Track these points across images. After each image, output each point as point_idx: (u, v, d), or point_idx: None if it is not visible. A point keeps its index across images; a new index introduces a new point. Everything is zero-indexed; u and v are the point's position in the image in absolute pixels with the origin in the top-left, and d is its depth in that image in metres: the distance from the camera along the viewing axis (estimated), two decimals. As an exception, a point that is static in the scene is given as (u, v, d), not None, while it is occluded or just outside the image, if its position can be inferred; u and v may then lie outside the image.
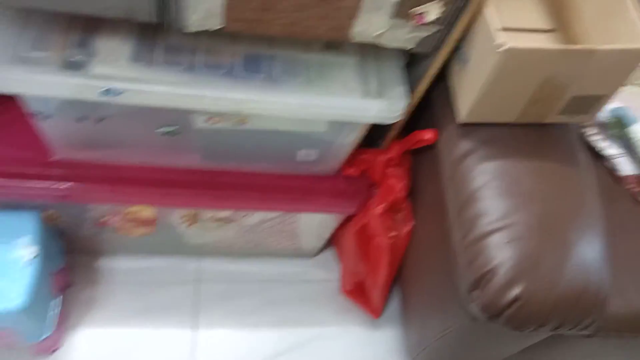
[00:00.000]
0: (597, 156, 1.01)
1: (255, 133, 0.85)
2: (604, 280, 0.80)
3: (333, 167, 0.99)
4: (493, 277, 0.75)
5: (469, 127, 0.84)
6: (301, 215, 1.07)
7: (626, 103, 1.00)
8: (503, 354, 1.00)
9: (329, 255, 1.27)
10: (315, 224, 1.11)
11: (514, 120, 0.82)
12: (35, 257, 0.89)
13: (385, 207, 0.98)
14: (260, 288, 1.21)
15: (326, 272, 1.25)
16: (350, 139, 0.90)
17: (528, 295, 0.74)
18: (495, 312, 0.75)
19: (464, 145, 0.84)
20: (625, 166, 0.98)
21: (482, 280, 0.76)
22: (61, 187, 0.86)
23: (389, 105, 0.80)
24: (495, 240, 0.76)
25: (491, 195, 0.80)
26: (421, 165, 0.98)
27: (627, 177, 0.98)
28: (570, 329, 0.82)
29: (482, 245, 0.77)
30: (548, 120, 0.83)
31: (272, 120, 0.82)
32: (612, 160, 0.99)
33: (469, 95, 0.78)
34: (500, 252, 0.75)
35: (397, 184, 0.97)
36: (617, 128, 0.99)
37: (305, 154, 0.93)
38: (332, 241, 1.24)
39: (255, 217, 1.05)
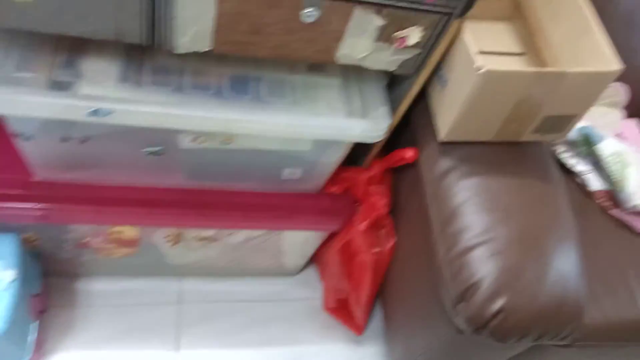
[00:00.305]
0: (568, 172, 1.05)
1: (241, 152, 0.86)
2: (580, 291, 0.83)
3: (317, 185, 1.01)
4: (477, 290, 0.77)
5: (449, 146, 0.87)
6: (285, 233, 1.07)
7: (592, 122, 1.05)
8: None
9: (311, 273, 1.28)
10: (299, 241, 1.12)
11: (491, 139, 0.86)
12: (13, 280, 0.87)
13: (368, 224, 1.00)
14: (243, 307, 1.20)
15: (308, 290, 1.25)
16: (334, 158, 0.92)
17: (511, 307, 0.76)
18: (480, 324, 0.77)
19: (445, 163, 0.87)
20: (594, 182, 1.03)
21: (466, 293, 0.78)
22: (41, 208, 0.85)
23: (372, 125, 0.82)
24: (478, 254, 0.79)
25: (473, 211, 0.82)
26: (403, 182, 1.01)
27: (596, 192, 1.03)
28: (550, 339, 0.85)
29: (466, 259, 0.79)
30: (523, 138, 0.87)
31: (258, 139, 0.83)
32: (582, 177, 1.04)
33: (448, 115, 0.81)
34: (484, 266, 0.78)
35: (379, 201, 0.99)
36: (585, 146, 1.04)
37: (289, 173, 0.95)
38: (314, 259, 1.25)
39: (240, 235, 1.05)
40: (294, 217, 1.00)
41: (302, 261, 1.22)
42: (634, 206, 0.98)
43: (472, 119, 0.79)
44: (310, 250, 1.17)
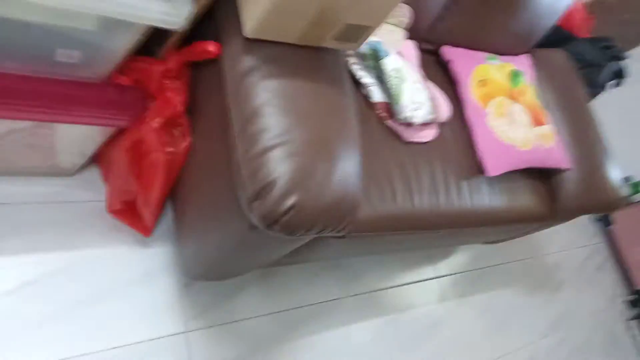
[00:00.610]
0: (356, 83, 1.13)
1: (3, 23, 0.68)
2: (358, 190, 0.93)
3: (102, 73, 0.88)
4: (272, 188, 0.80)
5: (253, 43, 0.84)
6: (60, 127, 0.93)
7: (380, 38, 1.13)
8: (274, 257, 1.09)
9: (92, 173, 1.16)
10: (77, 137, 0.99)
11: (294, 41, 0.85)
12: None
13: (162, 121, 0.93)
14: (8, 211, 1.03)
15: (88, 192, 1.14)
16: (124, 43, 0.81)
17: (300, 204, 0.81)
18: (272, 220, 0.81)
19: (248, 61, 0.84)
20: (376, 94, 1.13)
21: (262, 191, 0.80)
22: None
23: (171, 8, 0.74)
24: (275, 154, 0.81)
25: (273, 112, 0.83)
26: (203, 79, 0.95)
27: (377, 103, 1.14)
28: (331, 232, 0.94)
29: (264, 159, 0.80)
30: (324, 44, 0.89)
31: (24, 7, 0.67)
32: (367, 88, 1.13)
33: (256, 10, 0.77)
34: (279, 166, 0.80)
35: (175, 97, 0.92)
36: (372, 60, 1.12)
37: (66, 55, 0.80)
38: (97, 157, 1.12)
39: (1, 127, 0.87)
40: (71, 108, 0.86)
41: (80, 160, 1.08)
42: (405, 118, 1.12)
43: (280, 18, 0.77)
44: (91, 148, 1.04)
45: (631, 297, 2.24)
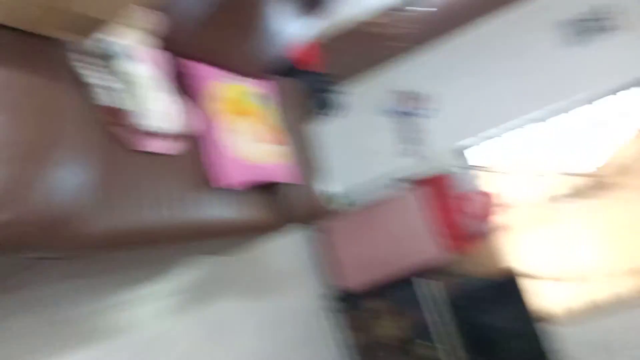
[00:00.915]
0: (84, 83, 1.01)
1: None
2: (86, 204, 0.82)
3: None
4: None
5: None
6: None
7: (123, 40, 1.04)
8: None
9: None
10: None
11: (19, 25, 0.72)
12: None
13: None
14: None
15: None
16: None
17: (13, 219, 0.69)
18: None
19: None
20: (103, 97, 1.03)
21: None
22: None
23: None
24: None
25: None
26: None
27: (103, 107, 1.03)
28: (46, 252, 0.81)
29: None
30: (45, 31, 0.77)
31: None
32: (96, 90, 1.02)
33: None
34: None
35: None
36: (106, 60, 1.03)
37: None
38: None
39: None
40: None
41: None
42: (144, 126, 1.05)
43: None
44: None
45: (334, 294, 2.62)
